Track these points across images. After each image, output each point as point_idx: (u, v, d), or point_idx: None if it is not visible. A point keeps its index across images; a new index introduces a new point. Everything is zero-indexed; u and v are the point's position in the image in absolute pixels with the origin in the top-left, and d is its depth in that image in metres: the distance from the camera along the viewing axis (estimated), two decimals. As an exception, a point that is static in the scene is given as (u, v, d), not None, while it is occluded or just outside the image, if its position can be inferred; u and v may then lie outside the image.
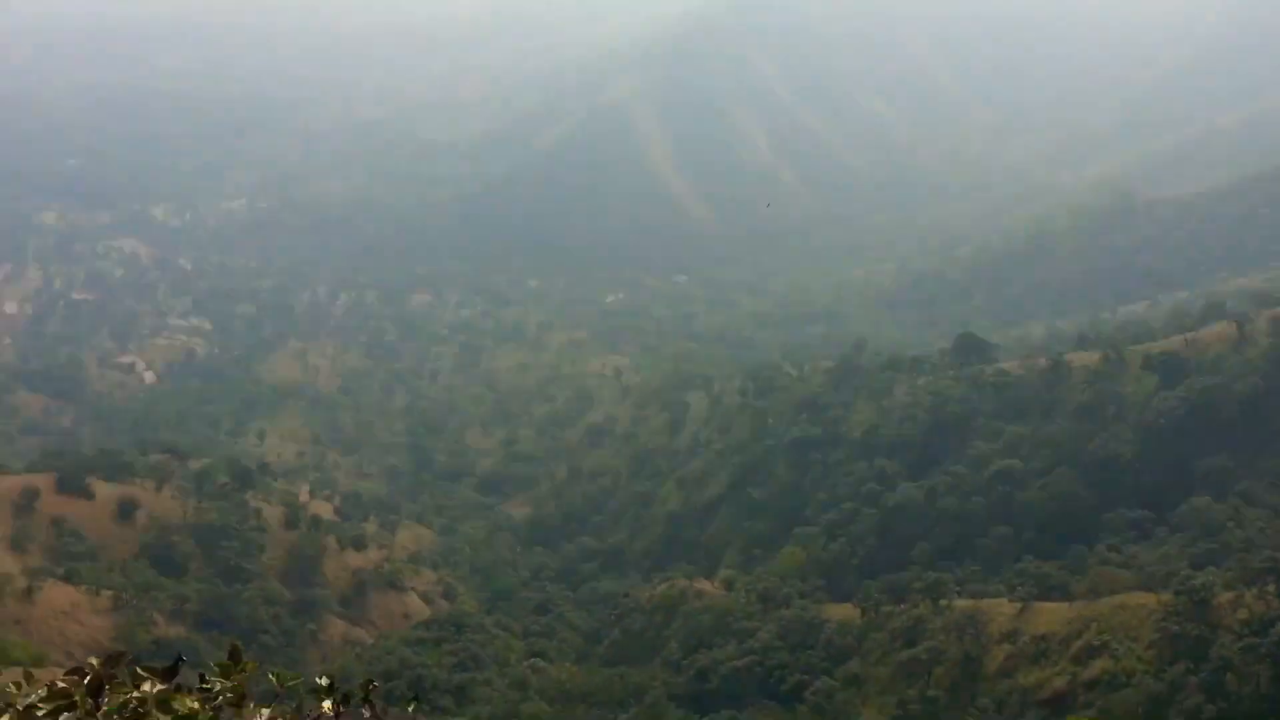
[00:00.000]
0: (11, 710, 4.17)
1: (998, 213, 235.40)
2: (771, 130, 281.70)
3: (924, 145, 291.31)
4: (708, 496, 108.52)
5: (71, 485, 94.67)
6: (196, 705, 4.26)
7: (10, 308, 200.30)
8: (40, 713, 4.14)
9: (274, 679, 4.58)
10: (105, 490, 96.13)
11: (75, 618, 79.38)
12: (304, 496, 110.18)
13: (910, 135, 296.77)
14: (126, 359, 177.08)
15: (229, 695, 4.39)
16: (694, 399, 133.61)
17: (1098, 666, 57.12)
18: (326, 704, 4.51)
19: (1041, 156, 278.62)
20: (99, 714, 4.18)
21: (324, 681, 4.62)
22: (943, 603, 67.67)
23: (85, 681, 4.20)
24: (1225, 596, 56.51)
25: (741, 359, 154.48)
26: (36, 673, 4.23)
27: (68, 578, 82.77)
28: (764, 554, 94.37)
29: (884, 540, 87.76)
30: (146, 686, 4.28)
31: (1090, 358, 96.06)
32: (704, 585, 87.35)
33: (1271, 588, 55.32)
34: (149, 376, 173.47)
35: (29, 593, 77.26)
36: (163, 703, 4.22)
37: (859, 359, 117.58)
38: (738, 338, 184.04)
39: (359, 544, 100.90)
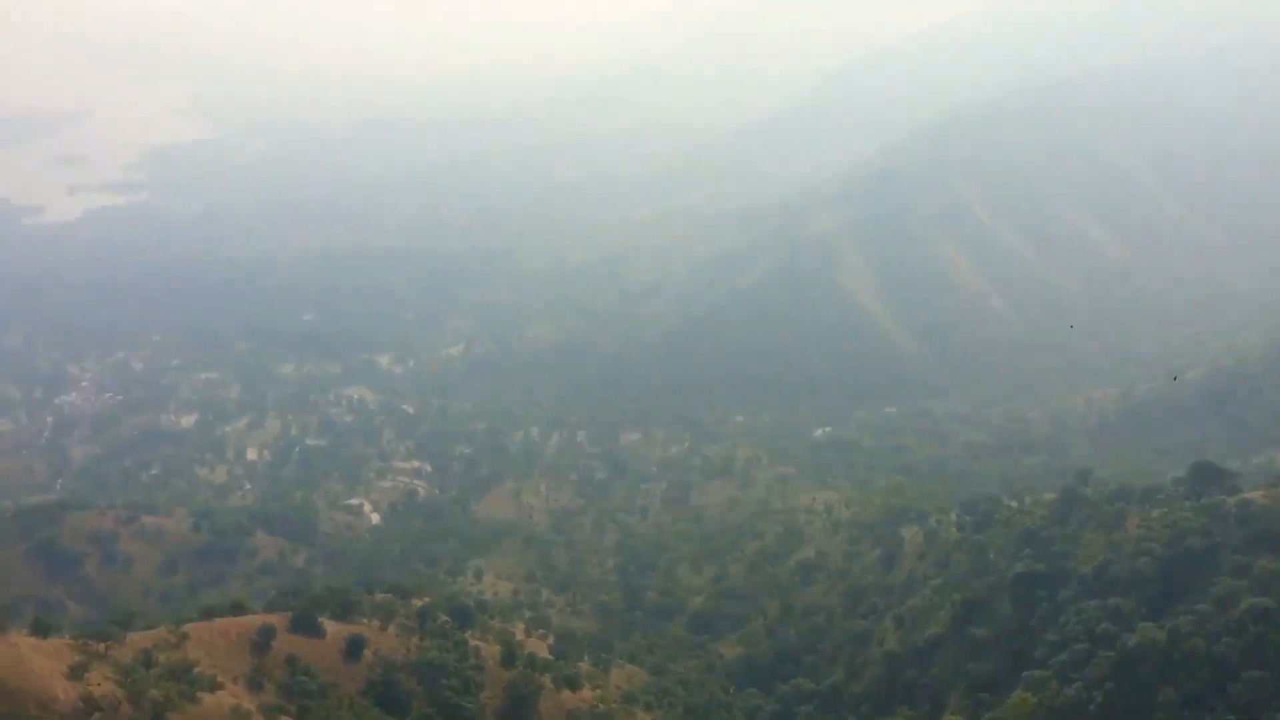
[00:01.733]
0: None
1: (1227, 335, 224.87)
2: (977, 257, 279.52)
3: (1141, 267, 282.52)
4: (927, 635, 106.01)
5: (303, 624, 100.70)
6: None
7: (252, 454, 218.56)
8: None
9: None
10: (334, 629, 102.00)
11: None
12: (520, 634, 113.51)
13: (1126, 256, 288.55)
14: (354, 501, 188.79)
15: None
16: (909, 534, 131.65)
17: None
18: None
19: (1271, 275, 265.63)
20: None
21: None
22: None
23: None
24: None
25: (957, 492, 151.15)
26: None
27: (299, 715, 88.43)
28: (991, 698, 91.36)
29: (1123, 685, 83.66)
30: None
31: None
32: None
33: None
34: (374, 518, 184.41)
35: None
36: None
37: (1084, 490, 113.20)
38: (952, 470, 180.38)
39: (574, 683, 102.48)
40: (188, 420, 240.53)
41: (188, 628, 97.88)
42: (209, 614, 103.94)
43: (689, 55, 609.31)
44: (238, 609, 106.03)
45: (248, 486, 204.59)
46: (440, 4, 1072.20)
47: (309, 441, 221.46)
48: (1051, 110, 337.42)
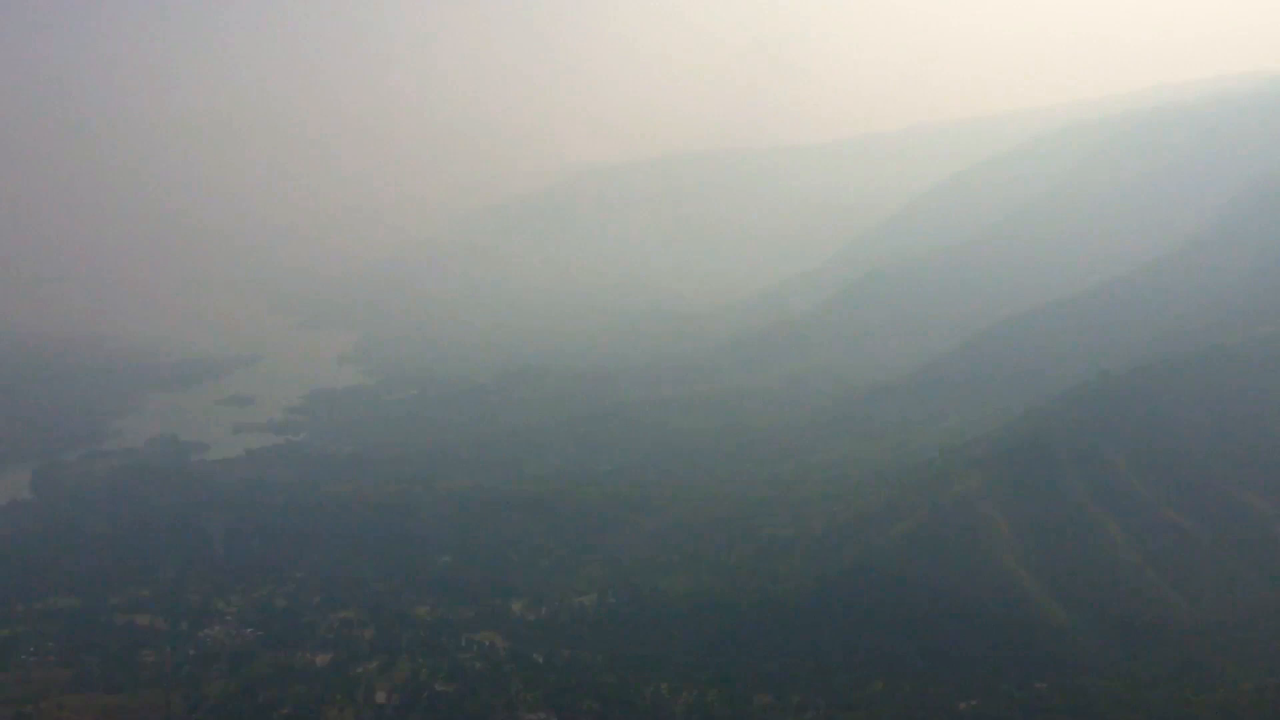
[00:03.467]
0: None
1: None
2: (1132, 528, 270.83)
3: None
4: None
5: None
6: None
7: (381, 697, 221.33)
8: None
9: None
10: None
11: None
12: None
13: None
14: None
15: None
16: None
17: None
18: None
19: None
20: None
21: None
22: None
23: None
24: None
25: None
26: None
27: None
28: None
29: None
30: None
31: None
32: None
33: None
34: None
35: None
36: None
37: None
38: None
39: None
40: (322, 659, 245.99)
41: None
42: None
43: (831, 313, 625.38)
44: None
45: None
46: (581, 260, 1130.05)
47: (438, 687, 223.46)
48: (1209, 378, 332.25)
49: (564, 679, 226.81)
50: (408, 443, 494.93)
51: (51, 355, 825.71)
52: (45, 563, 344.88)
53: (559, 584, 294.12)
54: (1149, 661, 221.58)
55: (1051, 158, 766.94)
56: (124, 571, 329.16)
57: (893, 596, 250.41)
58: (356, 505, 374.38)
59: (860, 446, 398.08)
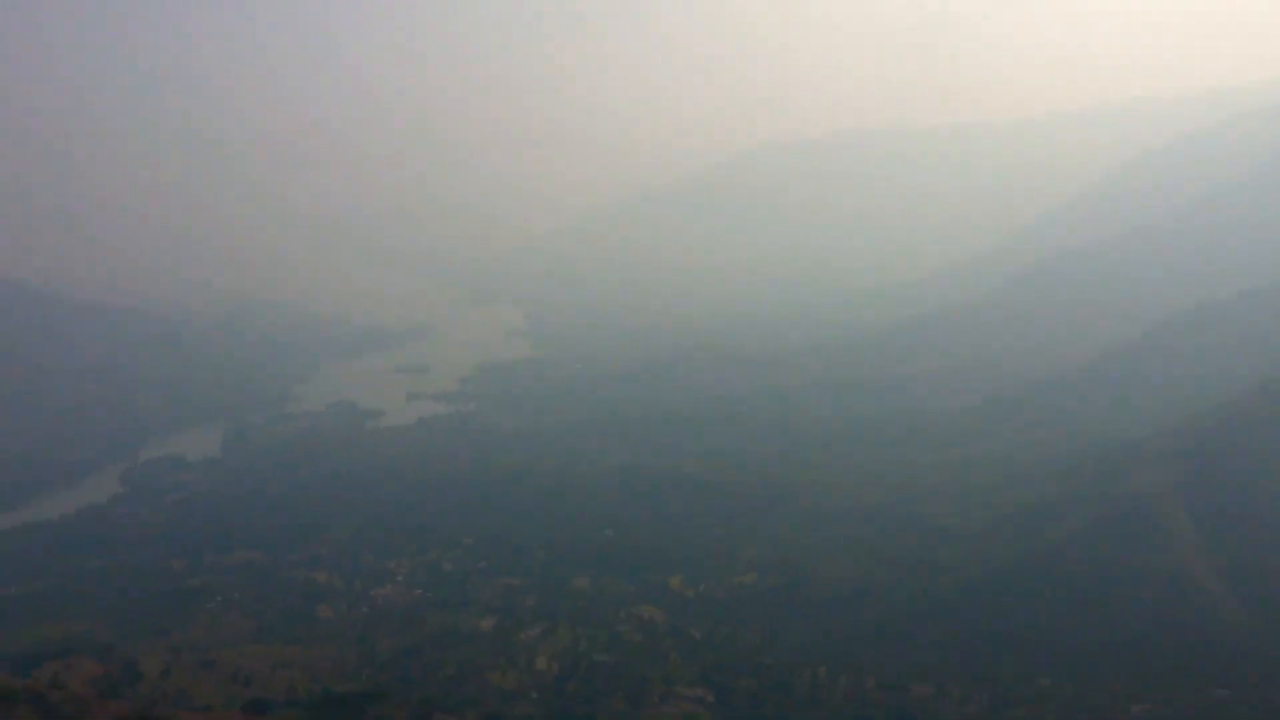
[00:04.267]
0: None
1: None
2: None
3: None
4: None
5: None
6: None
7: (541, 664, 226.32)
8: None
9: None
10: None
11: None
12: None
13: None
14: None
15: None
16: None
17: None
18: None
19: None
20: None
21: None
22: None
23: None
24: None
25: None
26: None
27: None
28: None
29: None
30: None
31: None
32: None
33: None
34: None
35: None
36: None
37: None
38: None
39: None
40: (486, 623, 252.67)
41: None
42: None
43: (1006, 300, 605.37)
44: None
45: (534, 695, 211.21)
46: (750, 240, 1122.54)
47: (596, 657, 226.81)
48: None
49: (721, 657, 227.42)
50: (573, 417, 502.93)
51: (245, 321, 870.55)
52: (232, 518, 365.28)
53: (718, 563, 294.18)
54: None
55: (1243, 140, 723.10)
56: (303, 530, 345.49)
57: (1062, 592, 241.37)
58: (522, 476, 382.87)
59: (1028, 437, 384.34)
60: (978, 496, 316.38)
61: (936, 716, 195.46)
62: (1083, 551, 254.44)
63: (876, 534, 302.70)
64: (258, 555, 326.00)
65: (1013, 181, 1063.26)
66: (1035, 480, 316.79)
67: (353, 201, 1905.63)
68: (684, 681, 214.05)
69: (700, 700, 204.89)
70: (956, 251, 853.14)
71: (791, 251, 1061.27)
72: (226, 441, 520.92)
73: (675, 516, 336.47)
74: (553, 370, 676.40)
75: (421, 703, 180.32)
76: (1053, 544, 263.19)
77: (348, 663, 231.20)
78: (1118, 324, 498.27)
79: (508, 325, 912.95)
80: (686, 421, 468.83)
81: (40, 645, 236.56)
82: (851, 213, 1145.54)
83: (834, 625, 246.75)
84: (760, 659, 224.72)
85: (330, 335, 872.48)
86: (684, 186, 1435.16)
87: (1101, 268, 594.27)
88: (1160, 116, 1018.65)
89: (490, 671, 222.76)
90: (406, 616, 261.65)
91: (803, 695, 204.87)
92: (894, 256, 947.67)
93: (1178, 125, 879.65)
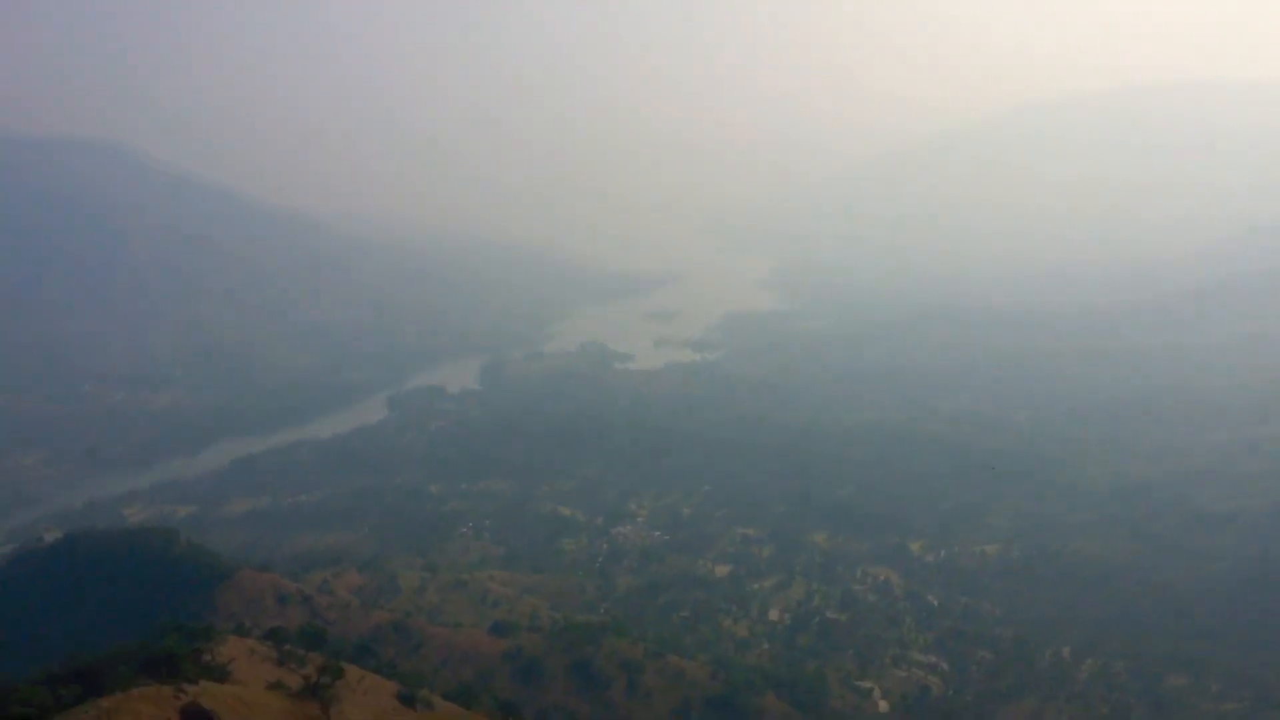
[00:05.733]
0: None
1: None
2: None
3: None
4: None
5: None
6: None
7: (774, 615, 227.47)
8: None
9: None
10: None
11: None
12: None
13: None
14: (865, 684, 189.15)
15: None
16: None
17: None
18: None
19: None
20: None
21: None
22: None
23: None
24: None
25: None
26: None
27: None
28: None
29: None
30: None
31: None
32: None
33: None
34: (882, 705, 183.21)
35: None
36: None
37: None
38: None
39: None
40: (722, 570, 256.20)
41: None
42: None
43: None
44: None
45: (765, 646, 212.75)
46: (1011, 199, 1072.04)
47: (829, 614, 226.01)
48: None
49: (959, 626, 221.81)
50: (819, 371, 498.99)
51: (509, 261, 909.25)
52: (486, 448, 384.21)
53: (961, 530, 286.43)
54: None
55: None
56: (552, 464, 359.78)
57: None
58: (765, 428, 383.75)
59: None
60: (1255, 483, 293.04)
61: (1191, 710, 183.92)
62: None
63: (1136, 514, 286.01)
64: (508, 485, 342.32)
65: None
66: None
67: (615, 149, 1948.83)
68: (918, 647, 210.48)
69: (934, 668, 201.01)
70: (1256, 215, 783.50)
71: (1063, 213, 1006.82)
72: (484, 374, 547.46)
73: (919, 478, 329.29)
74: (801, 323, 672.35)
75: (656, 641, 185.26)
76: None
77: (587, 595, 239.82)
78: None
79: (758, 276, 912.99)
80: (937, 381, 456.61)
81: (312, 553, 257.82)
82: (1137, 174, 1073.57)
83: (1083, 605, 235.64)
84: (1000, 632, 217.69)
85: (586, 279, 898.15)
86: (947, 143, 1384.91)
87: None
88: None
89: (723, 618, 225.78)
90: (645, 556, 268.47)
91: (1044, 673, 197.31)
92: (1184, 219, 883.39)
93: None
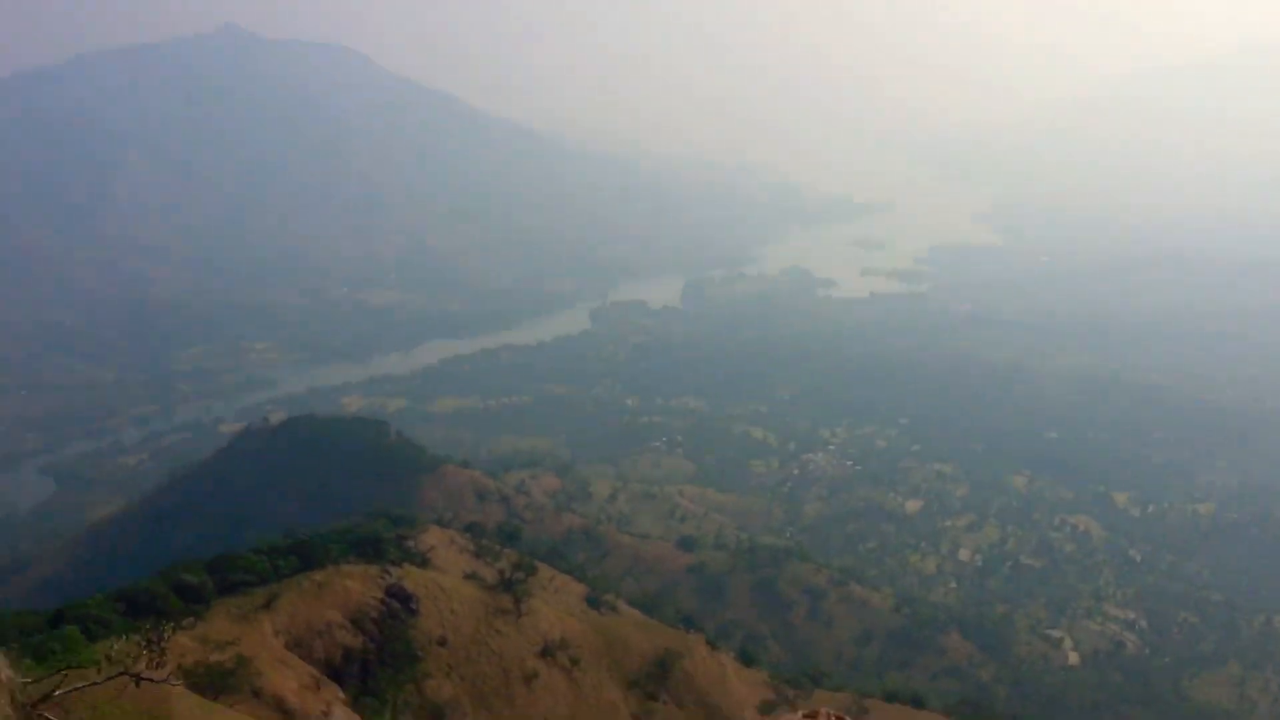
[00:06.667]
0: None
1: None
2: None
3: None
4: None
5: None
6: None
7: (964, 555, 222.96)
8: None
9: None
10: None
11: None
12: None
13: None
14: (1055, 633, 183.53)
15: None
16: None
17: None
18: None
19: None
20: None
21: None
22: None
23: None
24: None
25: None
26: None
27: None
28: None
29: None
30: None
31: None
32: None
33: None
34: (1072, 657, 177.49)
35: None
36: None
37: None
38: None
39: None
40: (912, 505, 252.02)
41: (869, 702, 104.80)
42: (890, 696, 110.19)
43: None
44: (917, 702, 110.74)
45: (953, 585, 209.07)
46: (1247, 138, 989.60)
47: (1023, 559, 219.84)
48: None
49: (1162, 584, 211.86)
50: (1030, 311, 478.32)
51: (717, 180, 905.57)
52: (684, 366, 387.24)
53: (1171, 486, 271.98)
54: None
55: None
56: (747, 385, 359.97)
57: None
58: (969, 365, 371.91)
59: None
60: None
61: None
62: None
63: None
64: (702, 404, 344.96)
65: None
66: None
67: (837, 70, 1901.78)
68: (1115, 601, 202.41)
69: (1131, 624, 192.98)
70: None
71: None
72: (686, 292, 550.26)
73: (1128, 428, 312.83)
74: (1014, 259, 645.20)
75: (840, 569, 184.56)
76: None
77: (774, 518, 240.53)
78: None
79: (973, 209, 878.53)
80: (1150, 330, 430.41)
81: (511, 454, 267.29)
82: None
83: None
84: (1206, 595, 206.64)
85: (794, 202, 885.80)
86: (1179, 77, 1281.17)
87: None
88: None
89: (911, 553, 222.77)
90: (834, 484, 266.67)
91: (1250, 642, 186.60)
92: None
93: None
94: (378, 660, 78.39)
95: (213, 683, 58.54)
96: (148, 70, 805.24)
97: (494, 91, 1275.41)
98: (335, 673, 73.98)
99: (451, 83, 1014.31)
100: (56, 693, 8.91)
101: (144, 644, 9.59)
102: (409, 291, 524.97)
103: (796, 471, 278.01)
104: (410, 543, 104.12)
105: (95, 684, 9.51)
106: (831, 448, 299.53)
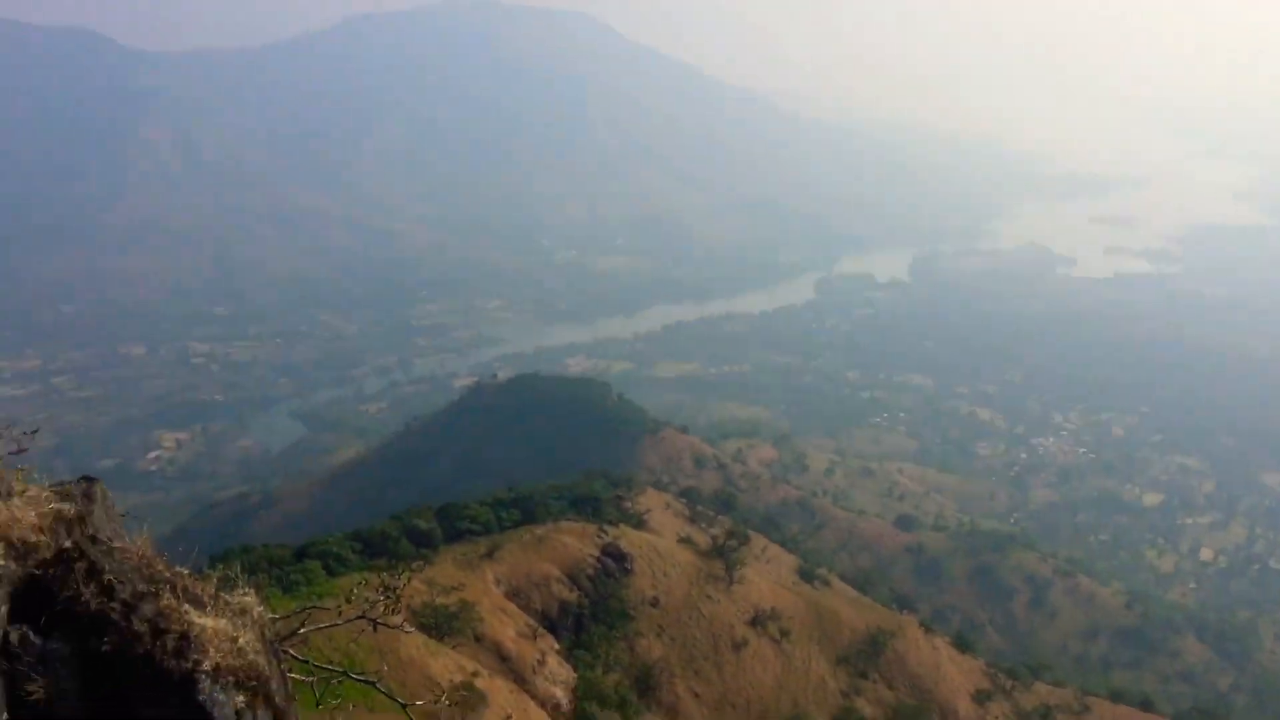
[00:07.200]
0: None
1: None
2: None
3: None
4: None
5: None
6: None
7: (1206, 554, 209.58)
8: None
9: None
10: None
11: None
12: None
13: None
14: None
15: None
16: None
17: None
18: None
19: None
20: None
21: None
22: None
23: None
24: None
25: None
26: None
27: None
28: None
29: None
30: None
31: None
32: None
33: None
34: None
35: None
36: None
37: None
38: None
39: None
40: (1151, 499, 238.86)
41: (1092, 700, 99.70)
42: (1116, 696, 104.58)
43: None
44: (1146, 704, 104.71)
45: (1192, 585, 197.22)
46: None
47: (1272, 563, 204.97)
48: None
49: None
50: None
51: (950, 151, 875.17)
52: (909, 341, 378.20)
53: None
54: None
55: None
56: (975, 364, 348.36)
57: None
58: (1224, 352, 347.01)
59: None
60: None
61: None
62: None
63: None
64: (928, 381, 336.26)
65: None
66: None
67: (1089, 33, 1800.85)
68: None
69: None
70: None
71: None
72: (915, 266, 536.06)
73: None
74: (1278, 242, 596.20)
75: (1068, 560, 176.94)
76: None
77: (998, 503, 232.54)
78: None
79: (1235, 185, 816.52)
80: None
81: (730, 422, 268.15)
82: None
83: None
84: None
85: (1033, 174, 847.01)
86: None
87: None
88: None
89: (1147, 548, 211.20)
90: (1065, 472, 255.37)
91: None
92: None
93: None
94: (591, 616, 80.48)
95: (438, 624, 61.54)
96: (406, 35, 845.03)
97: (729, 60, 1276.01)
98: (550, 624, 76.43)
99: (687, 51, 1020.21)
100: (301, 630, 9.37)
101: (382, 590, 9.99)
102: (635, 256, 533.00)
103: (1024, 456, 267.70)
104: (627, 504, 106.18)
105: (336, 625, 9.95)
106: (1064, 433, 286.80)
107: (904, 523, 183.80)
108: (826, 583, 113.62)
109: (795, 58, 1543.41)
